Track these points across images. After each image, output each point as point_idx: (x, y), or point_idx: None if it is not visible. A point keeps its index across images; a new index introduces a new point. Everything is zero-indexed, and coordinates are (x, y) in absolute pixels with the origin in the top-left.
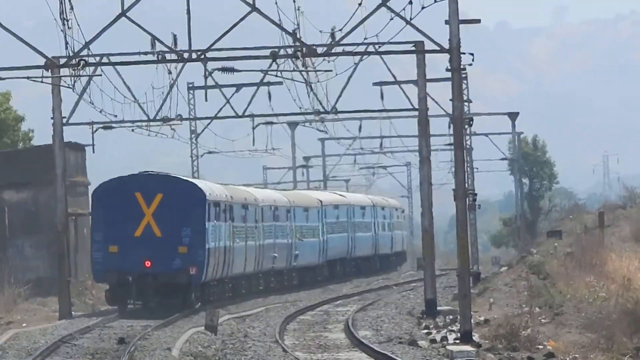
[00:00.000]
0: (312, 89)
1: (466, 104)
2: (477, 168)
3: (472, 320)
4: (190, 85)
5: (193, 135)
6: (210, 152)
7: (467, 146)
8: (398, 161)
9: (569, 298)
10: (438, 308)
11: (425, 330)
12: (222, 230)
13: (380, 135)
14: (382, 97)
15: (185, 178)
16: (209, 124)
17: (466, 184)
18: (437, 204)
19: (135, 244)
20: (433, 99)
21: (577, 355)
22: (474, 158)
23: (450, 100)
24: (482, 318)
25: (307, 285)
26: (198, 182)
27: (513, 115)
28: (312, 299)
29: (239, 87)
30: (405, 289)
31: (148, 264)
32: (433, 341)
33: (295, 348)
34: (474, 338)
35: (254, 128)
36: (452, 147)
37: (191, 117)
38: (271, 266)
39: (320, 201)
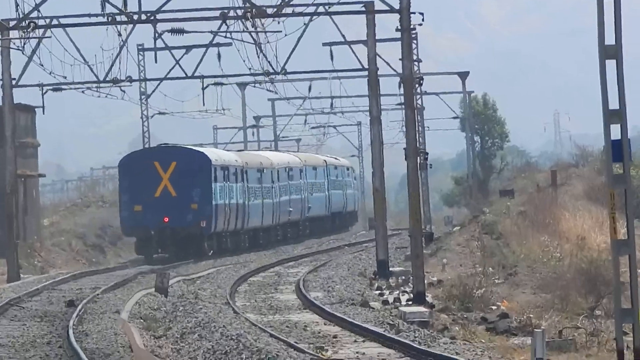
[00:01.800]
0: (261, 50)
1: (416, 63)
2: (428, 127)
3: (424, 281)
4: (140, 47)
5: (143, 97)
6: (160, 113)
7: (418, 106)
8: (349, 121)
9: (522, 258)
10: (390, 269)
11: (378, 292)
12: (234, 190)
13: (330, 96)
14: (332, 58)
15: (195, 148)
16: (158, 85)
17: (417, 143)
18: (388, 164)
19: (155, 203)
20: (383, 59)
21: (531, 316)
22: (425, 117)
23: (400, 60)
24: (435, 279)
25: (316, 234)
26: (206, 151)
27: (463, 75)
28: (262, 260)
29: (188, 48)
30: (357, 249)
31: (166, 219)
32: (385, 302)
33: (246, 310)
34: (427, 299)
35: (203, 89)
36: (403, 106)
37: (141, 78)
38: (287, 218)
39: (325, 161)
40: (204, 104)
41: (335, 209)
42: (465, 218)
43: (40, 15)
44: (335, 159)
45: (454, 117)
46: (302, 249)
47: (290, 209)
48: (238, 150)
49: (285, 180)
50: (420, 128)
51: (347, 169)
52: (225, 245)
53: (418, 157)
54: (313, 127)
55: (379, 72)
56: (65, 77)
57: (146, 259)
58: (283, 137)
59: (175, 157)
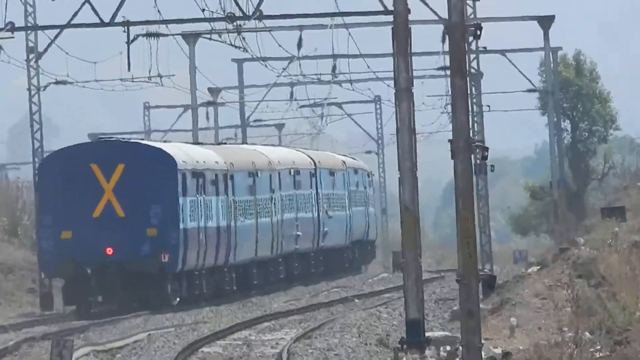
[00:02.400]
0: None
1: (470, 2)
2: (488, 106)
3: (482, 354)
4: None
5: (32, 56)
6: (58, 82)
7: (473, 71)
8: (361, 95)
9: (638, 317)
10: (427, 334)
11: None
12: (213, 206)
13: (332, 54)
14: None
15: (151, 144)
16: (56, 36)
17: (471, 132)
18: (424, 164)
19: (93, 227)
20: None
21: None
22: (484, 90)
23: None
24: (498, 350)
25: (333, 273)
26: (169, 148)
27: (545, 21)
28: (223, 319)
29: None
30: (374, 302)
31: (110, 251)
32: None
33: None
34: None
35: (129, 43)
36: (448, 72)
37: (29, 25)
38: (294, 248)
39: (344, 163)
40: (129, 68)
41: (357, 236)
42: (547, 252)
43: None
44: (353, 159)
45: (530, 90)
46: (288, 301)
47: (298, 232)
48: (219, 143)
49: (291, 189)
50: (476, 107)
51: (368, 175)
52: (200, 288)
53: (472, 155)
54: (304, 106)
55: (410, 17)
56: None
57: (78, 311)
58: (256, 120)
59: (123, 158)
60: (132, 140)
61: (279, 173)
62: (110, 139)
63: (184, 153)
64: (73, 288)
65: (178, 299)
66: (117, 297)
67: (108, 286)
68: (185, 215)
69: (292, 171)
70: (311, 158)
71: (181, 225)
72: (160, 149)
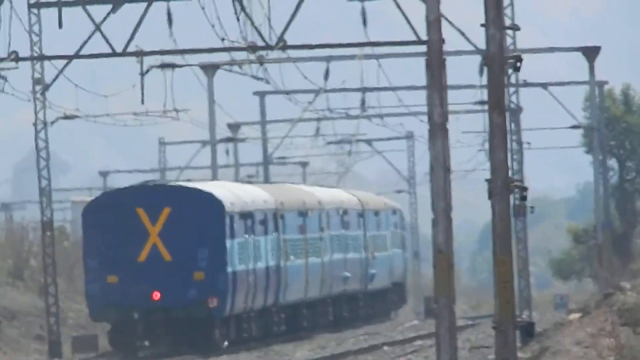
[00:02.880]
0: (243, 8)
1: (510, 32)
2: (529, 143)
3: None
4: (34, 2)
5: (38, 88)
6: (67, 117)
7: (512, 105)
8: (392, 131)
9: None
10: None
11: None
12: (262, 247)
13: (361, 87)
14: (364, 21)
15: (198, 186)
16: (64, 67)
17: (510, 171)
18: (460, 205)
19: (139, 271)
20: (452, 24)
21: None
22: (524, 126)
23: (483, 25)
24: None
25: (379, 317)
26: (215, 190)
27: (591, 52)
28: None
29: (117, 4)
30: (404, 350)
31: (157, 295)
32: None
33: None
34: None
35: (143, 74)
36: (485, 107)
37: (35, 55)
38: (342, 289)
39: (386, 204)
40: (142, 101)
41: (397, 278)
42: (590, 298)
43: None
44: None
45: (573, 127)
46: (312, 350)
47: (347, 274)
48: (271, 182)
49: (339, 229)
50: (515, 144)
51: (403, 218)
52: (249, 332)
53: (511, 195)
54: (331, 142)
55: (445, 47)
56: None
57: (127, 354)
58: (280, 158)
59: (169, 201)
60: (178, 184)
61: (328, 213)
62: (155, 183)
63: (232, 194)
64: (119, 332)
65: (227, 343)
66: (163, 341)
67: (155, 331)
68: (233, 258)
69: (340, 211)
70: (358, 198)
71: (229, 269)
72: (208, 193)
